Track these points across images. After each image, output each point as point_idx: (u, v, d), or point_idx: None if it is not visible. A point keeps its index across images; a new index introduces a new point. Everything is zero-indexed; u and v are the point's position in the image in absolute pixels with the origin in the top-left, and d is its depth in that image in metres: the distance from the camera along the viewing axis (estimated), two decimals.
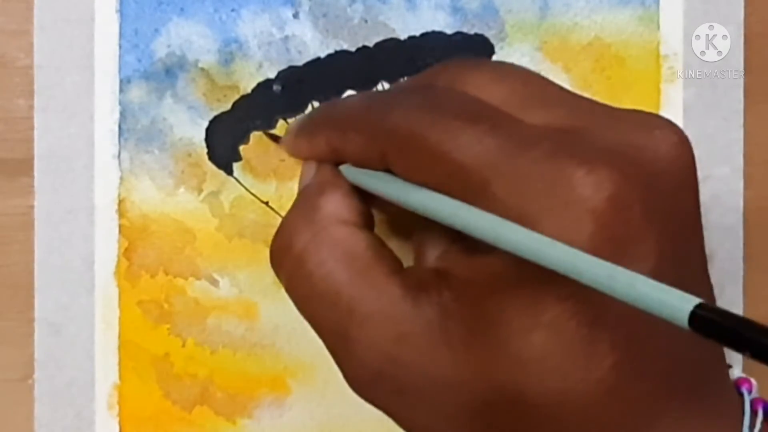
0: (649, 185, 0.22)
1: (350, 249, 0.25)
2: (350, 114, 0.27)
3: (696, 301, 0.18)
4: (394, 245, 0.27)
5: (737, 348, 0.18)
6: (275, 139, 0.37)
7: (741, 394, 0.25)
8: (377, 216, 0.29)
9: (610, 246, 0.21)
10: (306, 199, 0.27)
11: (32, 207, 0.37)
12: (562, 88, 0.25)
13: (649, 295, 0.19)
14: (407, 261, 0.27)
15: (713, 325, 0.18)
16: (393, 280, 0.25)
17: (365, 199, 0.27)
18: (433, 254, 0.26)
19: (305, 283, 0.26)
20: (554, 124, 0.23)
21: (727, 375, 0.24)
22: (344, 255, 0.25)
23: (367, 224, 0.27)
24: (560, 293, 0.21)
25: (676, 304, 0.19)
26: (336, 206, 0.26)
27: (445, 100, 0.25)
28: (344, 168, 0.27)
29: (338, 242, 0.26)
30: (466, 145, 0.23)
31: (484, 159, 0.22)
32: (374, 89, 0.38)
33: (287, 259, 0.26)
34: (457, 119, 0.23)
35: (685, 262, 0.23)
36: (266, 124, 0.38)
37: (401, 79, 0.38)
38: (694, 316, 0.18)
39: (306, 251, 0.26)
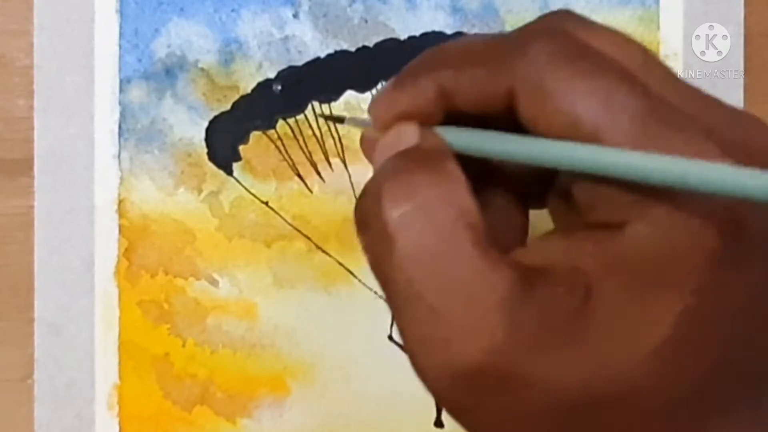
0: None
1: (473, 221, 0.22)
2: (471, 49, 0.24)
3: None
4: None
5: None
6: (338, 120, 0.34)
7: None
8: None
9: (736, 242, 0.21)
10: (424, 159, 0.23)
11: (32, 207, 0.37)
12: (671, 70, 0.24)
13: (739, 180, 0.19)
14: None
15: None
16: (508, 265, 0.22)
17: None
18: (515, 245, 0.24)
19: (411, 246, 0.22)
20: (669, 99, 0.22)
21: None
22: (468, 225, 0.22)
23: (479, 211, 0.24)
24: (692, 286, 0.21)
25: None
26: (461, 173, 0.23)
27: (583, 51, 0.23)
28: (442, 129, 0.24)
29: (464, 210, 0.22)
30: (614, 102, 0.21)
31: (630, 116, 0.21)
32: (374, 89, 0.38)
33: (395, 213, 0.22)
34: (604, 71, 0.22)
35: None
36: (266, 124, 0.38)
37: None
38: None
39: (426, 209, 0.22)
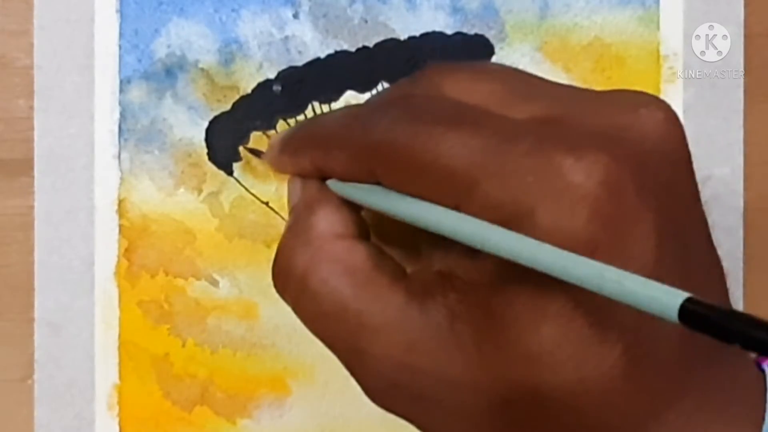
0: (639, 164, 0.22)
1: (350, 263, 0.25)
2: (332, 132, 0.27)
3: (684, 295, 0.18)
4: (394, 250, 0.27)
5: (728, 340, 0.18)
6: (256, 154, 0.37)
7: (762, 371, 0.24)
8: (373, 222, 0.29)
9: (608, 230, 0.21)
10: (297, 219, 0.27)
11: (32, 207, 0.37)
12: (543, 80, 0.25)
13: (637, 293, 0.19)
14: (408, 264, 0.27)
15: (702, 319, 0.18)
16: (397, 288, 0.25)
17: (355, 207, 0.27)
18: (433, 257, 0.26)
19: (311, 304, 0.26)
20: (538, 116, 0.23)
21: (744, 352, 0.24)
22: (345, 270, 0.25)
23: (363, 234, 0.27)
24: (565, 285, 0.21)
25: (665, 300, 0.19)
26: (328, 222, 0.26)
27: (425, 107, 0.24)
28: (332, 182, 0.27)
29: (337, 258, 0.25)
30: (451, 150, 0.23)
31: (471, 160, 0.22)
32: (374, 90, 0.38)
33: (290, 283, 0.26)
34: (438, 125, 0.23)
35: (688, 235, 0.23)
36: (266, 124, 0.38)
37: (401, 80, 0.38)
38: (684, 310, 0.18)
39: (307, 272, 0.25)
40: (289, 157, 0.28)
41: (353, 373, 0.26)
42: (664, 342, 0.22)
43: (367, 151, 0.25)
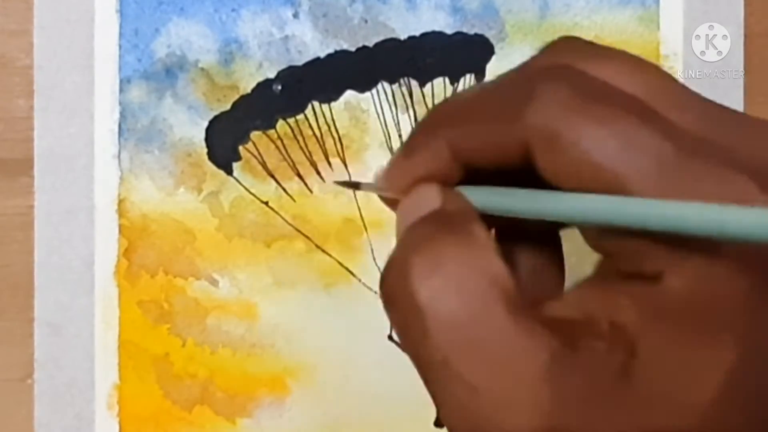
0: None
1: (507, 287, 0.21)
2: (480, 103, 0.23)
3: None
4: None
5: None
6: (353, 185, 0.33)
7: None
8: None
9: None
10: (449, 224, 0.22)
11: (32, 207, 0.37)
12: (692, 90, 0.23)
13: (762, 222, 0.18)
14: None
15: None
16: (546, 329, 0.21)
17: None
18: (549, 297, 0.23)
19: (444, 320, 0.21)
20: (697, 130, 0.21)
21: None
22: (501, 294, 0.21)
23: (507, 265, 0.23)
24: (740, 333, 0.20)
25: None
26: (488, 237, 0.22)
27: (598, 87, 0.21)
28: (464, 188, 0.23)
29: (497, 277, 0.21)
30: (636, 145, 0.20)
31: (657, 161, 0.20)
32: (374, 89, 0.38)
33: (424, 287, 0.21)
34: (622, 113, 0.20)
35: None
36: (266, 124, 0.38)
37: (402, 80, 0.38)
38: None
39: (455, 281, 0.21)
40: (421, 149, 0.23)
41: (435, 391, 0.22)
42: None
43: (527, 126, 0.21)
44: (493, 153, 0.22)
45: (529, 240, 0.24)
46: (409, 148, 0.24)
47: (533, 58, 0.24)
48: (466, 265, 0.21)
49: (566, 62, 0.22)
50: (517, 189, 0.22)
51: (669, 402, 0.20)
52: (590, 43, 0.23)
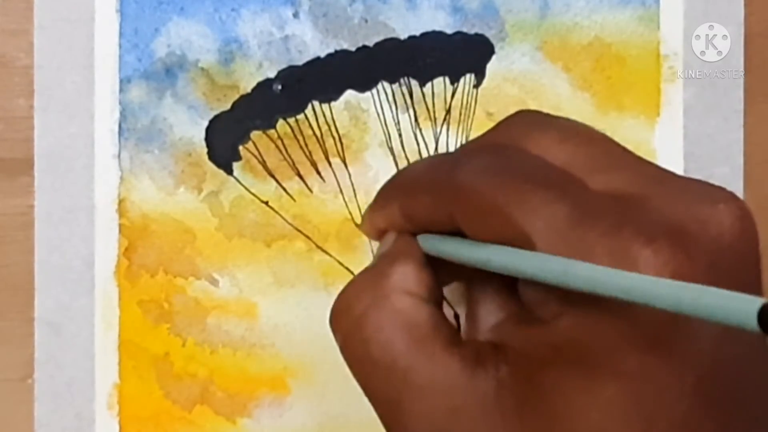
0: (713, 263, 0.22)
1: (411, 318, 0.25)
2: (418, 176, 0.27)
3: (761, 301, 0.19)
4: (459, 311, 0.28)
5: None
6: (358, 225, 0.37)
7: None
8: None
9: (671, 323, 0.22)
10: (377, 266, 0.27)
11: (32, 207, 0.37)
12: (625, 150, 0.25)
13: (715, 304, 0.19)
14: (466, 330, 0.28)
15: None
16: (450, 352, 0.25)
17: (436, 273, 0.27)
18: (487, 325, 0.27)
19: (361, 348, 0.26)
20: (617, 191, 0.24)
21: None
22: (404, 324, 0.25)
23: (433, 299, 0.27)
24: (618, 369, 0.22)
25: (743, 307, 0.19)
26: (404, 276, 0.26)
27: (512, 161, 0.25)
28: (421, 238, 0.27)
29: (400, 311, 0.26)
30: (535, 210, 0.23)
31: (549, 225, 0.23)
32: (374, 89, 0.38)
33: (345, 320, 0.26)
34: (526, 182, 0.23)
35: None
36: (266, 124, 0.38)
37: (402, 79, 0.38)
38: (763, 315, 0.18)
39: (366, 315, 0.26)
40: (380, 209, 0.29)
41: (388, 426, 0.26)
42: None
43: (451, 194, 0.25)
44: (431, 218, 0.26)
45: (496, 284, 0.28)
46: (373, 206, 0.29)
47: (482, 135, 0.28)
48: (372, 302, 0.26)
49: (504, 139, 0.26)
50: (454, 238, 0.26)
51: (559, 425, 0.22)
52: (535, 116, 0.27)
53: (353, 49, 0.38)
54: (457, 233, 0.26)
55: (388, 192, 0.29)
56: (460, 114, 0.38)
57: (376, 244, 0.38)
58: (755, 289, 0.23)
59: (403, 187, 0.28)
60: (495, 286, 0.27)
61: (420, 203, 0.26)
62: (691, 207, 0.23)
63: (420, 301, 0.26)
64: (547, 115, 0.27)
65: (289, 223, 0.38)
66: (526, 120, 0.27)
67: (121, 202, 0.37)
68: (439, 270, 0.27)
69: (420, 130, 0.38)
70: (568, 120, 0.27)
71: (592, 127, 0.26)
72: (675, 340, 0.22)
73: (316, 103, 0.38)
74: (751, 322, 0.19)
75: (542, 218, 0.23)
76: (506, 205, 0.23)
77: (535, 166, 0.24)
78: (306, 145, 0.38)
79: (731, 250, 0.23)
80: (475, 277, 0.28)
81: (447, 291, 0.28)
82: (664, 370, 0.22)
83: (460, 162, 0.25)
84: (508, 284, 0.27)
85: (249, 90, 0.38)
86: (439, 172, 0.26)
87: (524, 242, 0.23)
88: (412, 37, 0.38)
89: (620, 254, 0.22)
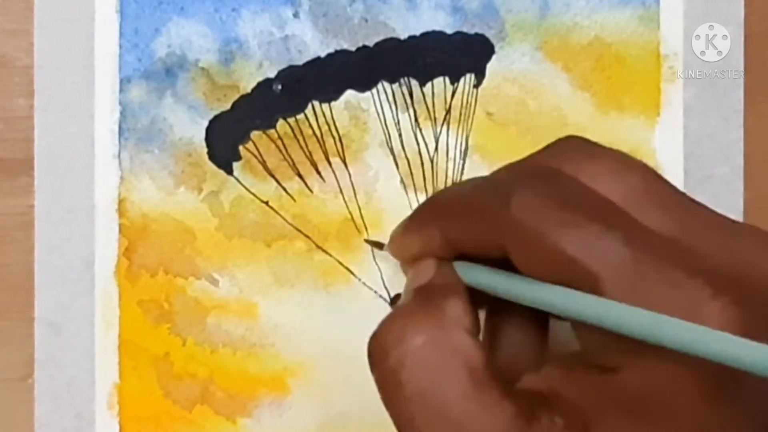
0: (765, 311, 0.22)
1: (471, 360, 0.24)
2: (467, 200, 0.26)
3: None
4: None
5: None
6: (378, 245, 0.36)
7: None
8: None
9: (728, 380, 0.21)
10: (426, 298, 0.25)
11: (32, 207, 0.37)
12: (676, 190, 0.25)
13: None
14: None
15: None
16: (508, 401, 0.23)
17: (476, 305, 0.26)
18: (509, 354, 0.26)
19: (406, 386, 0.24)
20: (673, 231, 0.23)
21: None
22: (463, 365, 0.24)
23: (478, 334, 0.26)
24: (678, 422, 0.21)
25: None
26: (461, 312, 0.25)
27: (569, 192, 0.24)
28: (459, 265, 0.26)
29: (460, 351, 0.24)
30: (601, 251, 0.22)
31: (619, 268, 0.22)
32: (374, 89, 0.38)
33: (391, 355, 0.24)
34: (589, 220, 0.23)
35: None
36: (266, 124, 0.38)
37: (402, 79, 0.38)
38: None
39: (420, 351, 0.24)
40: (417, 232, 0.27)
41: None
42: None
43: (504, 224, 0.24)
44: (477, 245, 0.25)
45: (522, 312, 0.26)
46: (407, 228, 0.27)
47: (530, 158, 0.26)
48: (430, 337, 0.24)
49: (555, 165, 0.25)
50: (502, 272, 0.24)
51: None
52: (585, 144, 0.26)
53: (353, 49, 0.38)
54: (497, 260, 0.25)
55: (427, 214, 0.27)
56: (460, 114, 0.38)
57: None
58: None
59: (446, 210, 0.26)
60: (519, 318, 0.26)
61: (467, 229, 0.25)
62: (747, 252, 0.22)
63: (475, 339, 0.24)
64: (596, 144, 0.26)
65: (289, 223, 0.38)
66: (576, 147, 0.26)
67: (121, 202, 0.37)
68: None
69: (420, 129, 0.38)
70: (619, 152, 0.25)
71: (643, 161, 0.25)
72: (736, 394, 0.21)
73: (316, 103, 0.38)
74: None
75: (608, 260, 0.22)
76: (569, 244, 0.22)
77: (593, 201, 0.23)
78: (306, 145, 0.38)
79: None
80: (497, 305, 0.26)
81: None
82: (725, 424, 0.21)
83: (515, 188, 0.24)
84: (535, 316, 0.26)
85: (249, 90, 0.38)
86: (491, 198, 0.24)
87: (590, 284, 0.22)
88: (412, 37, 0.38)
89: (682, 299, 0.21)
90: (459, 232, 0.25)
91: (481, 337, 0.26)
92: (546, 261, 0.23)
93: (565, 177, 0.24)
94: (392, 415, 0.25)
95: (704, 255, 0.22)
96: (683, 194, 0.24)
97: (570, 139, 0.26)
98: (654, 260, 0.22)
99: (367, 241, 0.36)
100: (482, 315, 0.27)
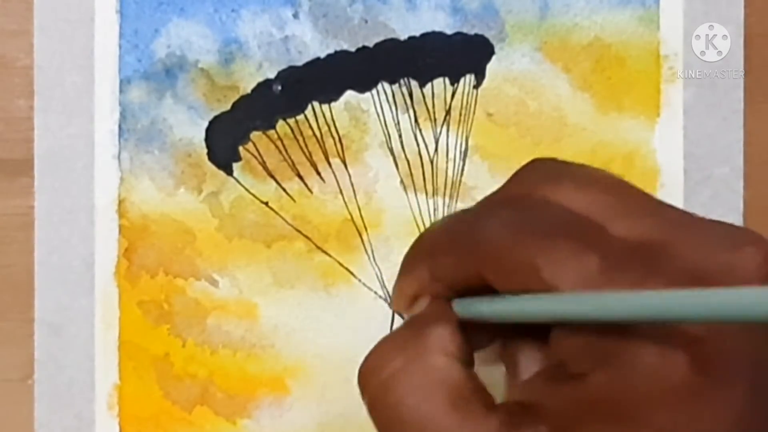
0: None
1: (449, 379, 0.25)
2: (439, 237, 0.27)
3: None
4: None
5: None
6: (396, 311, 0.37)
7: None
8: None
9: (705, 377, 0.21)
10: (412, 326, 0.27)
11: (32, 207, 0.37)
12: (644, 194, 0.25)
13: (751, 301, 0.19)
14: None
15: None
16: (491, 416, 0.24)
17: (474, 338, 0.27)
18: (517, 384, 0.26)
19: (392, 408, 0.25)
20: (641, 237, 0.23)
21: None
22: (442, 384, 0.25)
23: (468, 362, 0.26)
24: (651, 424, 0.22)
25: None
26: (442, 337, 0.26)
27: (535, 213, 0.25)
28: (456, 302, 0.27)
29: (438, 370, 0.25)
30: (562, 263, 0.23)
31: (582, 278, 0.23)
32: (374, 90, 0.38)
33: (376, 378, 0.25)
34: (550, 235, 0.23)
35: None
36: (266, 124, 0.38)
37: (402, 80, 0.38)
38: None
39: (401, 374, 0.25)
40: (408, 275, 0.28)
41: None
42: None
43: (474, 252, 0.25)
44: (460, 278, 0.26)
45: (532, 338, 0.27)
46: (401, 274, 0.29)
47: (500, 188, 0.27)
48: (409, 359, 0.25)
49: (524, 190, 0.26)
50: (484, 297, 0.25)
51: None
52: (551, 164, 0.27)
53: (353, 49, 0.38)
54: (490, 289, 0.25)
55: (413, 257, 0.28)
56: (460, 114, 0.38)
57: (376, 244, 0.38)
58: None
59: (427, 249, 0.27)
60: (530, 343, 0.27)
61: (446, 263, 0.26)
62: (716, 252, 0.23)
63: (457, 361, 0.25)
64: (564, 162, 0.27)
65: (289, 224, 0.38)
66: (542, 169, 0.27)
67: (121, 202, 0.37)
68: (475, 334, 0.27)
69: (420, 130, 0.38)
70: (583, 166, 0.26)
71: (610, 172, 0.26)
72: (707, 392, 0.22)
73: (316, 104, 0.38)
74: None
75: (570, 270, 0.23)
76: (533, 259, 0.23)
77: (557, 217, 0.24)
78: (306, 145, 0.38)
79: None
80: (510, 336, 0.27)
81: (484, 354, 0.28)
82: (698, 423, 0.22)
83: (481, 218, 0.25)
84: (542, 339, 0.27)
85: (249, 90, 0.38)
86: (461, 229, 0.26)
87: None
88: (412, 38, 0.38)
89: None
90: (443, 268, 0.26)
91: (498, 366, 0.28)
92: (515, 279, 0.24)
93: (532, 200, 0.25)
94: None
95: (671, 256, 0.23)
96: (651, 198, 0.25)
97: (535, 162, 0.27)
98: (614, 265, 0.22)
99: (391, 307, 0.37)
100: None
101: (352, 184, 0.38)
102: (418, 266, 0.28)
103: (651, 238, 0.23)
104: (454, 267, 0.26)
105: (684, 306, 0.20)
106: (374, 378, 0.25)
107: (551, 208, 0.25)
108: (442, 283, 0.27)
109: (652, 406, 0.22)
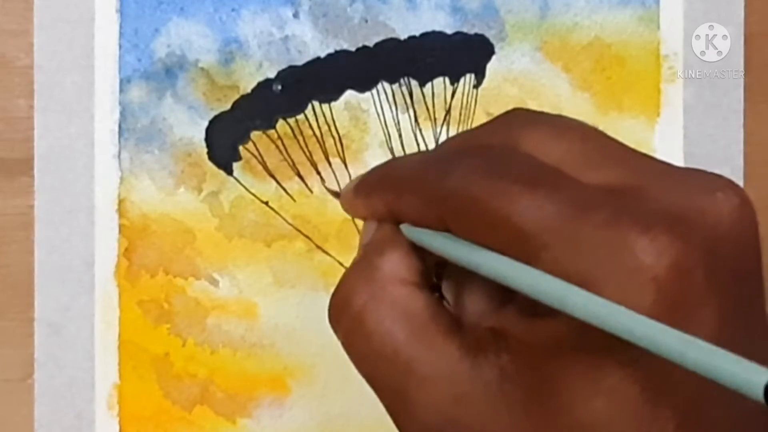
0: (711, 250, 0.22)
1: (408, 308, 0.26)
2: (406, 175, 0.27)
3: None
4: (457, 301, 0.28)
5: None
6: (336, 195, 0.37)
7: None
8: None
9: (671, 313, 0.21)
10: (365, 258, 0.27)
11: (32, 207, 0.37)
12: (620, 144, 0.25)
13: (722, 367, 0.19)
14: (465, 316, 0.28)
15: None
16: (451, 340, 0.25)
17: (424, 256, 0.27)
18: (476, 310, 0.27)
19: (363, 342, 0.26)
20: (612, 184, 0.23)
21: None
22: (402, 314, 0.25)
23: (426, 283, 0.27)
24: (621, 358, 0.22)
25: (751, 377, 0.18)
26: (395, 265, 0.26)
27: (503, 162, 0.25)
28: (404, 227, 0.27)
29: (396, 301, 0.26)
30: (526, 210, 0.23)
31: (544, 224, 0.23)
32: (374, 89, 0.38)
33: (345, 317, 0.26)
34: (516, 183, 0.23)
35: (747, 326, 0.23)
36: (266, 124, 0.38)
37: (402, 79, 0.38)
38: None
39: (364, 310, 0.26)
40: (363, 199, 0.29)
41: (394, 417, 0.26)
42: (716, 426, 0.22)
43: (439, 198, 0.25)
44: (418, 219, 0.26)
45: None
46: (356, 191, 0.29)
47: (472, 131, 0.27)
48: (370, 295, 0.26)
49: (496, 138, 0.26)
50: (441, 234, 0.25)
51: (564, 414, 0.22)
52: (526, 114, 0.27)
53: (353, 49, 0.38)
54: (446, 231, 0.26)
55: (374, 184, 0.29)
56: (460, 114, 0.38)
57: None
58: (755, 277, 0.23)
59: (390, 184, 0.28)
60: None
61: (408, 204, 0.27)
62: (688, 196, 0.23)
63: (415, 288, 0.26)
64: (540, 112, 0.27)
65: (289, 224, 0.38)
66: (519, 118, 0.27)
67: (121, 202, 0.37)
68: (425, 255, 0.27)
69: (420, 130, 0.38)
70: (560, 117, 0.27)
71: (586, 122, 0.26)
72: (677, 327, 0.22)
73: (316, 104, 0.38)
74: (757, 393, 0.18)
75: (536, 216, 0.23)
76: (499, 208, 0.23)
77: (525, 165, 0.24)
78: (306, 145, 0.38)
79: (730, 238, 0.22)
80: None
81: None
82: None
83: (452, 163, 0.25)
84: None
85: (249, 90, 0.38)
86: (429, 173, 0.26)
87: (520, 243, 0.23)
88: (412, 37, 0.38)
89: (616, 245, 0.22)
90: (401, 205, 0.27)
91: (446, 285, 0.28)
92: (480, 227, 0.24)
93: (503, 147, 0.25)
94: (359, 372, 0.26)
95: (644, 199, 0.23)
96: (627, 147, 0.25)
97: (515, 110, 0.27)
98: (582, 209, 0.22)
99: (327, 188, 0.38)
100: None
101: None
102: (376, 195, 0.28)
103: (624, 183, 0.23)
104: (417, 209, 0.26)
105: (649, 337, 0.20)
106: (344, 314, 0.26)
107: (521, 157, 0.25)
108: (397, 218, 0.27)
109: (621, 341, 0.21)
